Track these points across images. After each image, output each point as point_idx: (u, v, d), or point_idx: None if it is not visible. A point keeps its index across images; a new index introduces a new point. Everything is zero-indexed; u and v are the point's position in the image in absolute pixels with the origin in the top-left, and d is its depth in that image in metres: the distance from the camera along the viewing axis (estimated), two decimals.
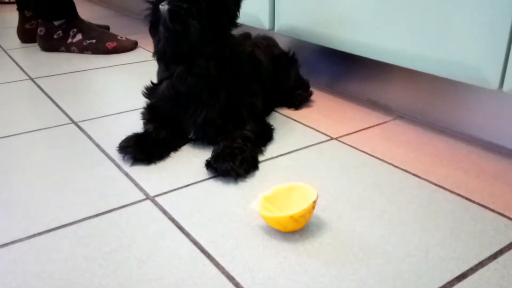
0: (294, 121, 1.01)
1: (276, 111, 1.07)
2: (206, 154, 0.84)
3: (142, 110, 0.93)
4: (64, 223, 0.67)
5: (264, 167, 0.82)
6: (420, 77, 1.00)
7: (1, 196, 0.74)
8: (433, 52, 0.84)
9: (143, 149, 0.83)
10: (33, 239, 0.63)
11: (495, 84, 0.76)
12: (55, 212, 0.69)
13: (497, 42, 0.75)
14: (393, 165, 0.82)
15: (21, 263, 0.59)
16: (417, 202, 0.71)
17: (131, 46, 1.61)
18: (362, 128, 0.98)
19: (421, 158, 0.85)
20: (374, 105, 1.10)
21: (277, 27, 1.19)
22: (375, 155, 0.86)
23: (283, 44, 1.20)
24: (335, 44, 1.05)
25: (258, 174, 0.80)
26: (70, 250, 0.61)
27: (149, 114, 0.92)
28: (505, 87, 0.75)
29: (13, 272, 0.57)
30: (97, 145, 0.91)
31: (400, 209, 0.69)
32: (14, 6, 1.73)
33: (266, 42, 1.05)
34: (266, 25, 1.21)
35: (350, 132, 0.96)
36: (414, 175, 0.79)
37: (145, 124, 0.91)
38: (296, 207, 0.62)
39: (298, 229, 0.64)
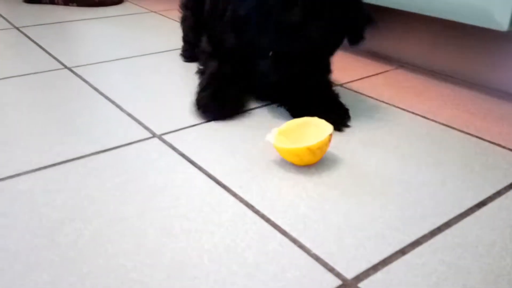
0: None
1: None
2: None
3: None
4: (70, 157, 0.64)
5: (272, 110, 0.80)
6: (421, 23, 0.99)
7: None
8: None
9: (223, 105, 0.76)
10: (38, 172, 0.61)
11: (505, 25, 0.76)
12: (59, 147, 0.66)
13: None
14: (400, 108, 0.82)
15: (30, 193, 0.56)
16: (428, 140, 0.71)
17: None
18: (365, 76, 0.97)
19: (427, 101, 0.84)
20: (374, 56, 1.09)
21: None
22: (381, 99, 0.85)
23: None
24: None
25: (264, 114, 0.78)
26: (81, 181, 0.59)
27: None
28: None
29: (21, 202, 0.55)
30: (95, 89, 0.87)
31: (412, 146, 0.69)
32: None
33: None
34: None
35: (353, 79, 0.95)
36: (422, 116, 0.78)
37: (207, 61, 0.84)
38: (311, 140, 0.61)
39: (314, 163, 0.63)
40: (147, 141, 0.69)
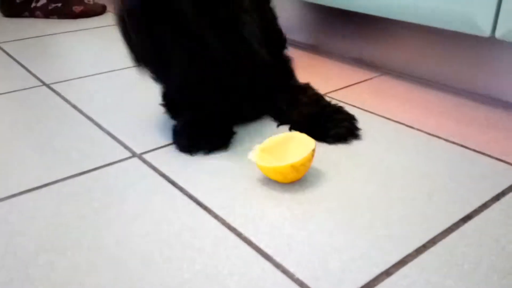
0: None
1: None
2: None
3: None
4: (46, 181, 0.62)
5: (254, 124, 0.79)
6: (405, 30, 0.98)
7: None
8: (424, 1, 0.82)
9: (212, 134, 0.70)
10: (14, 199, 0.59)
11: (488, 31, 0.75)
12: (35, 172, 0.64)
13: None
14: (385, 117, 0.81)
15: (4, 222, 0.54)
16: (413, 150, 0.70)
17: (100, 10, 1.53)
18: (349, 84, 0.96)
19: (412, 110, 0.83)
20: (358, 62, 1.08)
21: None
22: (365, 108, 0.84)
23: None
24: None
25: (245, 130, 0.77)
26: (56, 208, 0.57)
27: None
28: (498, 33, 0.74)
29: None
30: (74, 106, 0.85)
31: (398, 157, 0.68)
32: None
33: None
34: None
35: (337, 88, 0.94)
36: (407, 126, 0.78)
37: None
38: (294, 156, 0.60)
39: (298, 179, 0.62)
40: (126, 161, 0.67)
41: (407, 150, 0.70)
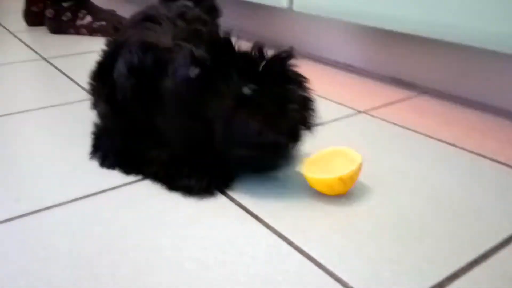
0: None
1: None
2: None
3: None
4: (104, 188, 0.65)
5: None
6: (445, 49, 0.99)
7: (32, 162, 0.72)
8: (465, 21, 0.83)
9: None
10: (74, 203, 0.62)
11: None
12: (92, 179, 0.68)
13: None
14: (427, 135, 0.81)
15: (68, 225, 0.57)
16: (458, 169, 0.71)
17: None
18: (388, 102, 0.97)
19: (453, 128, 0.84)
20: (397, 81, 1.09)
21: (296, 5, 1.18)
22: (407, 126, 0.85)
23: (300, 22, 1.18)
24: (360, 19, 1.04)
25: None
26: (116, 211, 0.60)
27: None
28: None
29: (60, 233, 0.56)
30: None
31: (442, 175, 0.69)
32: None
33: None
34: (284, 3, 1.20)
35: (376, 106, 0.95)
36: (450, 144, 0.78)
37: None
38: (340, 170, 0.61)
39: (344, 192, 0.63)
40: None
41: (451, 168, 0.70)
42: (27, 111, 0.92)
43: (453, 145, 0.78)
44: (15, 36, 1.53)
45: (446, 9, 0.85)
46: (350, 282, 0.48)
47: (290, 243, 0.54)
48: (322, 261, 0.51)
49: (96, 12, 1.56)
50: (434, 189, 0.65)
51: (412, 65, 1.08)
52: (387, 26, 0.97)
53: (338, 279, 0.48)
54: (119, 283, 0.48)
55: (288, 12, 1.24)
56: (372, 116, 0.90)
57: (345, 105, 0.95)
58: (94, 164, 0.71)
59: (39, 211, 0.60)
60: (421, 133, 0.82)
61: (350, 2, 1.02)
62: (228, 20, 1.75)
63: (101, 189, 0.65)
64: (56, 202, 0.62)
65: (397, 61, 1.10)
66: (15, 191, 0.65)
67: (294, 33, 1.37)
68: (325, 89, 1.03)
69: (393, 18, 0.95)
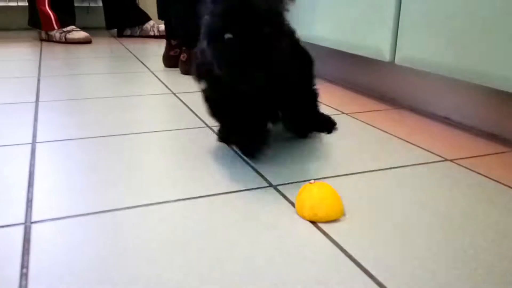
0: (403, 141, 1.06)
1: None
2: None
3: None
4: (196, 195, 0.79)
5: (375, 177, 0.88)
6: None
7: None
8: None
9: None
10: (167, 204, 0.76)
11: None
12: (188, 186, 0.82)
13: None
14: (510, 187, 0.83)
15: (157, 225, 0.71)
16: None
17: None
18: (478, 154, 0.99)
19: None
20: (491, 137, 1.10)
21: (398, 59, 1.26)
22: (491, 177, 0.87)
23: (401, 75, 1.25)
24: (461, 74, 1.08)
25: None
26: (204, 216, 0.72)
27: None
28: None
29: (161, 229, 0.70)
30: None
31: None
32: (159, 40, 2.02)
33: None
34: (386, 56, 1.29)
35: (465, 156, 0.98)
36: None
37: None
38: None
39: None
40: (261, 190, 0.81)
41: None
42: (153, 132, 1.12)
43: None
44: (154, 74, 1.82)
45: None
46: None
47: (345, 252, 0.61)
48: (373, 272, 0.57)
49: None
50: None
51: (509, 121, 1.08)
52: (486, 84, 1.01)
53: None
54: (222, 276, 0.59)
55: (389, 65, 1.33)
56: (459, 164, 0.93)
57: (432, 152, 0.99)
58: (188, 171, 0.86)
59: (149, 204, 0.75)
60: (507, 186, 0.84)
61: (451, 58, 1.08)
62: (332, 71, 1.89)
63: (192, 196, 0.78)
64: (163, 200, 0.77)
65: (497, 118, 1.11)
66: (136, 188, 0.81)
67: (395, 84, 1.44)
68: (417, 137, 1.09)
69: (493, 76, 0.98)
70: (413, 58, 1.20)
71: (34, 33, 2.80)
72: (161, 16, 1.97)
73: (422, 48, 1.17)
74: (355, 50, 1.43)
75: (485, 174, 0.88)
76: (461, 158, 0.97)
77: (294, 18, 1.85)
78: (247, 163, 0.93)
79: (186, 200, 0.76)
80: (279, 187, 0.82)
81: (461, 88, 1.21)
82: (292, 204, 0.75)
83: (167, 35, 1.94)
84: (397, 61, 1.26)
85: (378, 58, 1.33)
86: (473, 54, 1.02)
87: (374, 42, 1.33)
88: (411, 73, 1.36)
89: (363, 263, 0.60)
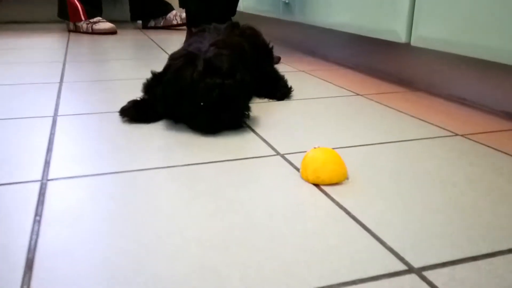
0: (416, 119, 1.06)
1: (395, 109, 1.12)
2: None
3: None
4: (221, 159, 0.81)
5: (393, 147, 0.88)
6: None
7: None
8: None
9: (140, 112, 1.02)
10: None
11: None
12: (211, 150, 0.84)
13: None
14: None
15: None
16: None
17: None
18: (490, 130, 0.98)
19: None
20: (507, 114, 1.09)
21: (413, 39, 1.26)
22: (505, 151, 0.86)
23: (417, 56, 1.24)
24: (477, 53, 1.08)
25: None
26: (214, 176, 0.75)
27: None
28: None
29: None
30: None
31: None
32: (183, 32, 2.06)
33: (250, 32, 1.25)
34: (402, 38, 1.29)
35: (476, 132, 0.97)
36: None
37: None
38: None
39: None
40: (270, 158, 0.83)
41: None
42: None
43: None
44: None
45: None
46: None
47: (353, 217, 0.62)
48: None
49: None
50: None
51: None
52: (504, 61, 0.99)
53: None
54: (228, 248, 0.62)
55: (406, 47, 1.33)
56: (469, 139, 0.93)
57: (444, 128, 0.99)
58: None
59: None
60: None
61: (467, 36, 1.07)
62: (349, 56, 1.89)
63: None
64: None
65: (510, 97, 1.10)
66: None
67: (412, 67, 1.43)
68: (431, 116, 1.08)
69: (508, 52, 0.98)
70: (429, 38, 1.20)
71: (62, 25, 2.89)
72: (182, 4, 2.00)
73: (438, 27, 1.16)
74: (371, 34, 1.43)
75: (495, 147, 0.88)
76: (472, 134, 0.96)
77: (310, 7, 1.86)
78: (257, 134, 0.95)
79: (195, 165, 0.79)
80: (286, 155, 0.83)
81: (477, 67, 1.20)
82: (298, 170, 0.77)
83: (188, 24, 1.97)
84: (413, 42, 1.26)
85: (394, 40, 1.33)
86: (491, 32, 1.01)
87: (389, 24, 1.33)
88: (428, 55, 1.35)
89: (360, 218, 0.61)
